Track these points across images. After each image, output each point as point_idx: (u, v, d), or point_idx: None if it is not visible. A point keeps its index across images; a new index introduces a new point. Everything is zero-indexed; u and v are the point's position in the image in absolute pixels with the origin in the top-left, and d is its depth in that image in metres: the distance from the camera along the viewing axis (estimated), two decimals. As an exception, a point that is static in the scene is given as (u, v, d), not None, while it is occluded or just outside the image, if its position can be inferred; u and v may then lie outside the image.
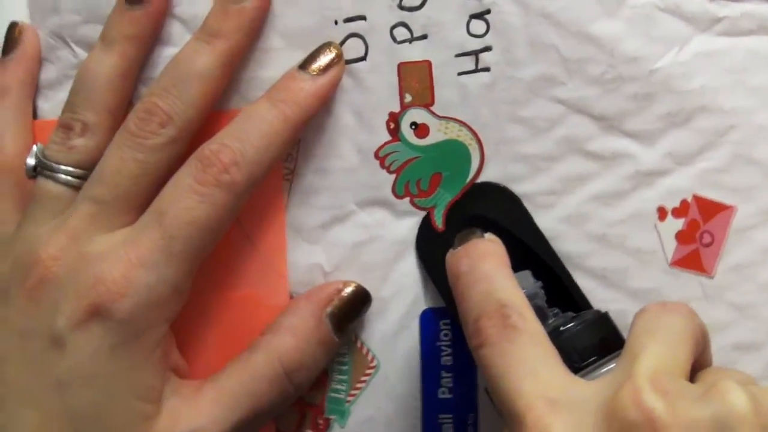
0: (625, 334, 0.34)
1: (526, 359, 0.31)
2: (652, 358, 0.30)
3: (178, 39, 0.39)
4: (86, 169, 0.38)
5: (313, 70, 0.38)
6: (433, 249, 0.39)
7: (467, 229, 0.36)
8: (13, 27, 0.41)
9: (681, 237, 0.39)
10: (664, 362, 0.30)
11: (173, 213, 0.35)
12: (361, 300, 0.39)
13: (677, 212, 0.39)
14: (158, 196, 0.36)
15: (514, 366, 0.31)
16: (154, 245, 0.35)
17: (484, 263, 0.34)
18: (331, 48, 0.39)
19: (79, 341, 0.35)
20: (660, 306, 0.33)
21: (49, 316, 0.35)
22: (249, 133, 0.36)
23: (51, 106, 0.41)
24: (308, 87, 0.38)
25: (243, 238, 0.39)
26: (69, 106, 0.39)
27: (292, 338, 0.38)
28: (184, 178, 0.36)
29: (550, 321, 0.36)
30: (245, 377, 0.37)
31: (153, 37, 0.39)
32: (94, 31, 0.40)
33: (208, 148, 0.36)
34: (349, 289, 0.39)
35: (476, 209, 0.39)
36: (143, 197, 0.37)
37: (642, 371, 0.29)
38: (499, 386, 0.31)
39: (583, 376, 0.33)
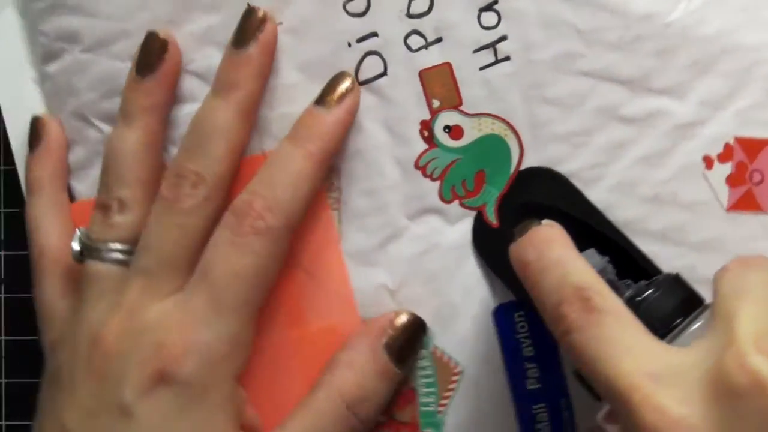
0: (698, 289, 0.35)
1: (617, 339, 0.31)
2: (750, 320, 0.29)
3: (198, 94, 0.40)
4: (131, 244, 0.38)
5: (329, 102, 0.38)
6: (492, 246, 0.39)
7: (524, 221, 0.36)
8: (35, 122, 0.42)
9: (731, 181, 0.39)
10: (763, 323, 0.29)
11: (217, 269, 0.36)
12: (415, 328, 0.39)
13: (722, 157, 0.39)
14: (202, 255, 0.37)
15: (607, 348, 0.30)
16: (205, 304, 0.36)
17: (550, 249, 0.34)
18: (344, 77, 0.39)
19: (147, 408, 0.35)
20: (741, 263, 0.32)
21: (115, 389, 0.36)
22: (277, 177, 0.37)
23: (86, 185, 0.42)
24: (327, 120, 0.38)
25: (305, 276, 0.39)
26: (102, 186, 0.39)
27: (350, 373, 0.38)
28: (222, 233, 0.37)
29: (625, 293, 0.36)
30: (310, 419, 0.38)
31: (170, 103, 0.40)
32: (114, 105, 0.40)
33: (240, 199, 0.37)
34: (402, 319, 0.39)
35: (525, 197, 0.39)
36: (190, 259, 0.37)
37: (742, 335, 0.29)
38: (596, 370, 0.30)
39: (670, 342, 0.33)
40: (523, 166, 0.39)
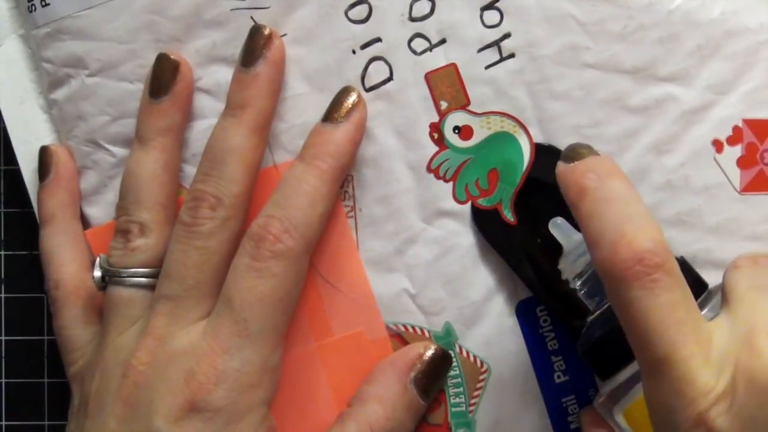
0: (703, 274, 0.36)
1: (680, 315, 0.30)
2: (766, 317, 0.31)
3: (208, 111, 0.40)
4: (152, 267, 0.38)
5: (337, 119, 0.38)
6: (509, 243, 0.39)
7: (576, 144, 0.34)
8: (44, 151, 0.41)
9: (742, 163, 0.39)
10: None
11: (239, 296, 0.36)
12: (441, 360, 0.39)
13: (732, 140, 0.39)
14: (225, 281, 0.37)
15: (670, 322, 0.30)
16: (231, 331, 0.36)
17: (614, 181, 0.33)
18: (349, 91, 0.39)
19: None
20: (752, 261, 0.34)
21: (146, 417, 0.36)
22: (290, 198, 0.37)
23: (99, 210, 0.42)
24: (335, 137, 0.38)
25: (326, 286, 0.40)
26: (121, 210, 0.39)
27: (380, 407, 0.38)
28: (242, 258, 0.37)
29: None
30: None
31: (184, 123, 0.40)
32: (124, 127, 0.40)
33: (257, 224, 0.37)
34: (429, 352, 0.39)
35: (535, 173, 0.39)
36: (213, 282, 0.37)
37: (761, 333, 0.30)
38: (649, 340, 0.30)
39: None
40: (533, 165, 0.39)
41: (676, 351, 0.30)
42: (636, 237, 0.31)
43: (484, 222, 0.39)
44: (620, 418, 0.36)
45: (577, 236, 0.37)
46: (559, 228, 0.38)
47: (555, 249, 0.38)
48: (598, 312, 0.36)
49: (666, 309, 0.30)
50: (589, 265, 0.37)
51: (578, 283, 0.37)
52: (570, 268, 0.37)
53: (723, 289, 0.33)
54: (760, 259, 0.34)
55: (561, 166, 0.34)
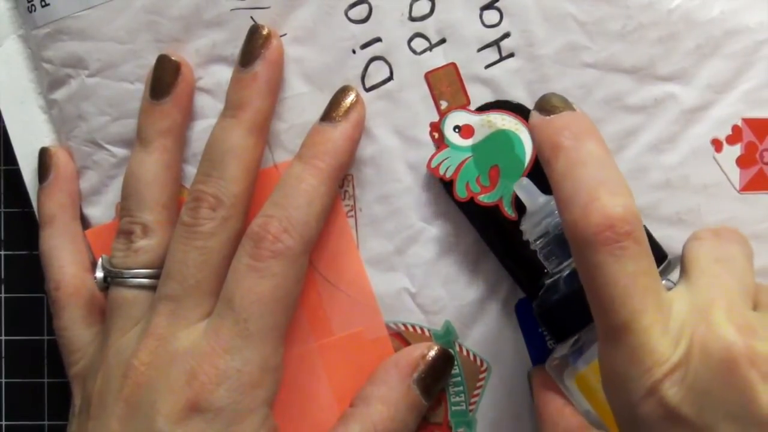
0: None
1: (642, 278, 0.30)
2: (726, 291, 0.31)
3: (208, 110, 0.40)
4: (155, 268, 0.38)
5: (335, 118, 0.38)
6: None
7: (551, 94, 0.34)
8: (43, 153, 0.42)
9: (742, 162, 0.39)
10: (737, 294, 0.31)
11: (239, 296, 0.36)
12: (444, 361, 0.40)
13: (731, 139, 0.39)
14: (225, 282, 0.37)
15: (633, 284, 0.30)
16: (231, 331, 0.36)
17: (591, 142, 0.32)
18: (348, 90, 0.39)
19: None
20: (714, 233, 0.34)
21: (148, 418, 0.36)
22: (289, 198, 0.37)
23: (100, 210, 0.42)
24: (334, 135, 0.38)
25: (327, 285, 0.40)
26: (124, 211, 0.39)
27: (384, 407, 0.38)
28: (241, 259, 0.37)
29: None
30: None
31: (185, 124, 0.40)
32: (125, 128, 0.40)
33: (256, 224, 0.37)
34: (432, 353, 0.39)
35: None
36: (214, 282, 0.37)
37: (719, 308, 0.30)
38: (610, 301, 0.30)
39: None
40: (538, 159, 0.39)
41: (637, 319, 0.30)
42: (608, 202, 0.31)
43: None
44: (571, 383, 0.36)
45: (543, 198, 0.37)
46: (524, 189, 0.38)
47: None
48: (557, 275, 0.36)
49: (631, 277, 0.30)
50: (552, 227, 0.37)
51: (539, 244, 0.37)
52: (533, 229, 0.37)
53: (683, 259, 0.34)
54: (722, 231, 0.34)
55: (536, 117, 0.34)
